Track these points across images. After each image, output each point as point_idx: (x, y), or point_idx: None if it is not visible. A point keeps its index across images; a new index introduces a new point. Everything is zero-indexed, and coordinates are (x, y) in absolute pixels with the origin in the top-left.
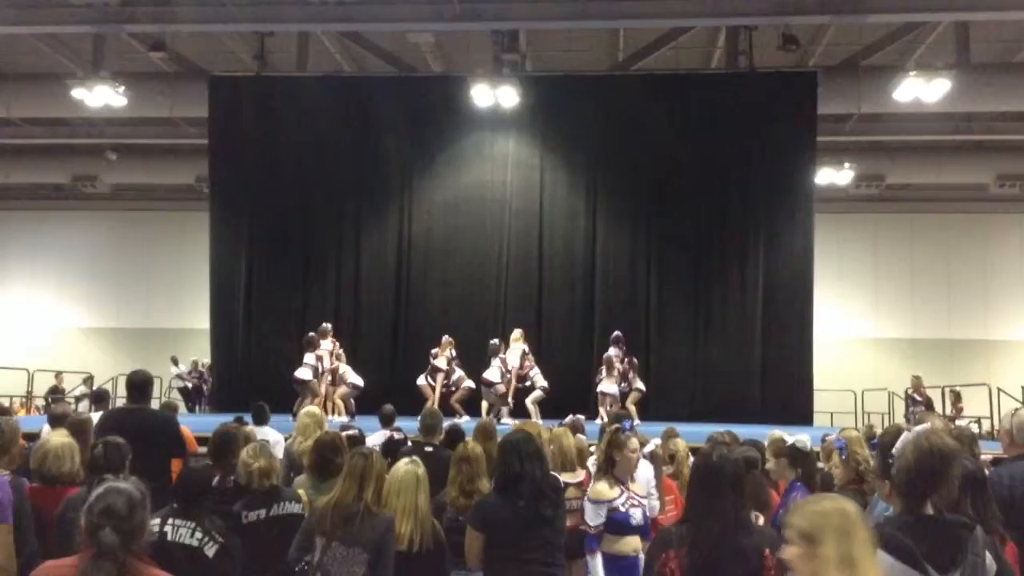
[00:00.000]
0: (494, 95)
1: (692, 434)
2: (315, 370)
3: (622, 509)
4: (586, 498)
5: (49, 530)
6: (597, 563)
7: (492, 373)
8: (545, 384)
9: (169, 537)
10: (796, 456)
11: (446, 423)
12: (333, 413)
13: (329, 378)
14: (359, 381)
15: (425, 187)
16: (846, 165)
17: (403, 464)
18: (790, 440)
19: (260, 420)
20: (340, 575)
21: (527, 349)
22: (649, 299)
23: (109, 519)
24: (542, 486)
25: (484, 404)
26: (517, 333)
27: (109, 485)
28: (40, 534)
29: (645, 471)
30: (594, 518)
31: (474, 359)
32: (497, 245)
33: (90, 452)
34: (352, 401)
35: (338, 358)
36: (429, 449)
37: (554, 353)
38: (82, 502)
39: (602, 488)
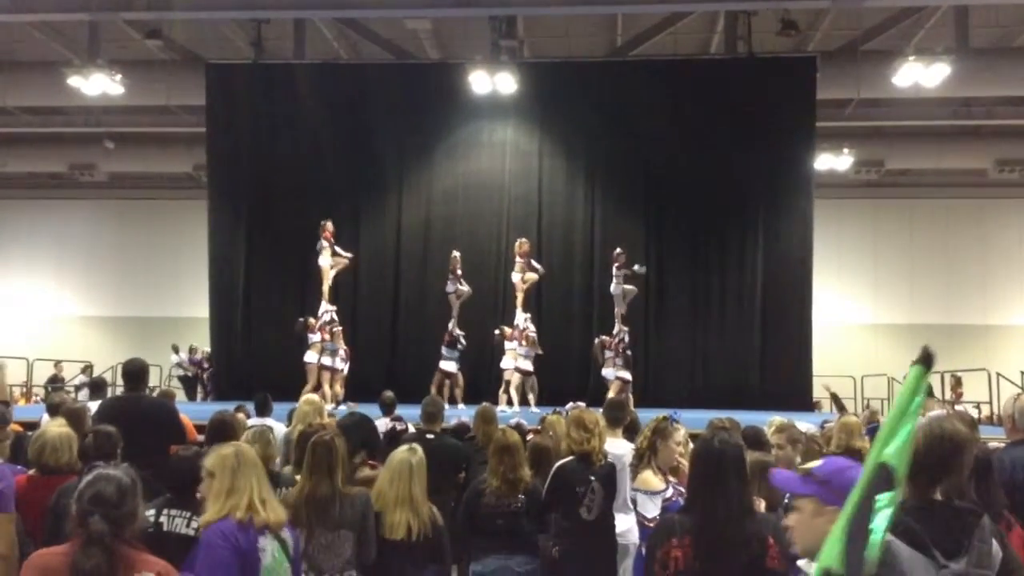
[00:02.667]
0: (492, 82)
1: (692, 420)
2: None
3: (674, 501)
4: (635, 490)
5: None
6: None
7: (505, 361)
8: (522, 367)
9: (165, 528)
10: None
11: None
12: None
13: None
14: (328, 362)
15: (423, 175)
16: (845, 150)
17: (400, 452)
18: (804, 428)
19: (263, 411)
20: (327, 560)
21: (522, 269)
22: (648, 285)
23: (99, 506)
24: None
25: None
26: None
27: (99, 472)
28: (39, 524)
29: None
30: (652, 510)
31: (476, 348)
32: (496, 232)
33: (80, 440)
34: (337, 387)
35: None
36: (431, 436)
37: (553, 339)
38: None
39: (650, 478)
